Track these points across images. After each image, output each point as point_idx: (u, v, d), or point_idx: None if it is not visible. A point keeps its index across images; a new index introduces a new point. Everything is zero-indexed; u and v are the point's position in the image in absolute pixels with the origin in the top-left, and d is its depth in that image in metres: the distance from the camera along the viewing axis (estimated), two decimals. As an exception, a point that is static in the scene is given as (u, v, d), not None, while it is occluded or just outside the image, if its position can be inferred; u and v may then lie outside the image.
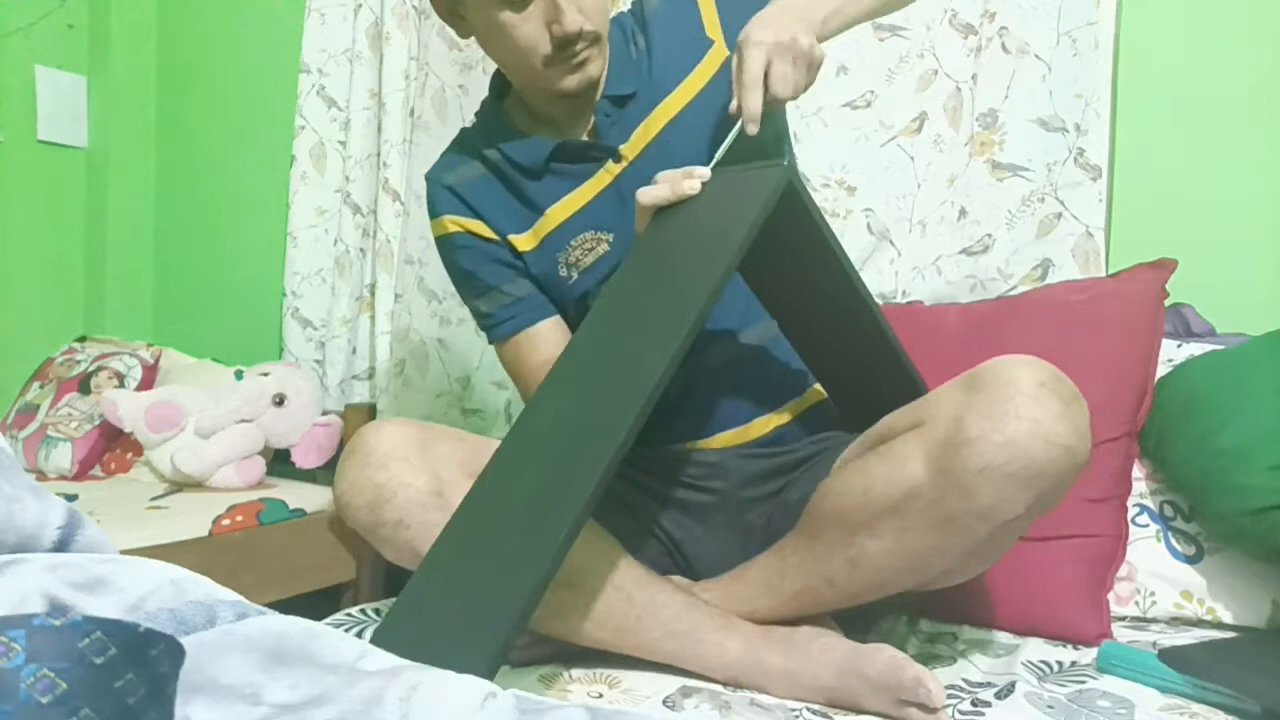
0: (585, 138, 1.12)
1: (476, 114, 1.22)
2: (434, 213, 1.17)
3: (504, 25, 1.01)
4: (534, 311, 1.13)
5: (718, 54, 1.10)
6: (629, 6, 1.19)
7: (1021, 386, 0.81)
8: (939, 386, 0.92)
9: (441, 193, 1.16)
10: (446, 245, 1.17)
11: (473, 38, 1.10)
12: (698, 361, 1.10)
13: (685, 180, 0.95)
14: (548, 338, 1.12)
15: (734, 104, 0.97)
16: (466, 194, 1.15)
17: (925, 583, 0.94)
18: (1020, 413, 0.80)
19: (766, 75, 0.95)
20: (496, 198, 1.14)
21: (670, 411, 1.10)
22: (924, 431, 0.87)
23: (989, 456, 0.81)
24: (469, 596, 0.78)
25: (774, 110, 0.99)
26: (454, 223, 1.15)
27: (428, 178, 1.19)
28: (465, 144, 1.19)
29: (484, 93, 1.20)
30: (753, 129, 0.95)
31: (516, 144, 1.12)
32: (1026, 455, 0.80)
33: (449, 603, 0.79)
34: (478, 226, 1.14)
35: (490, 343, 1.19)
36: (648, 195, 0.97)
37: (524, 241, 1.13)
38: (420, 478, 0.92)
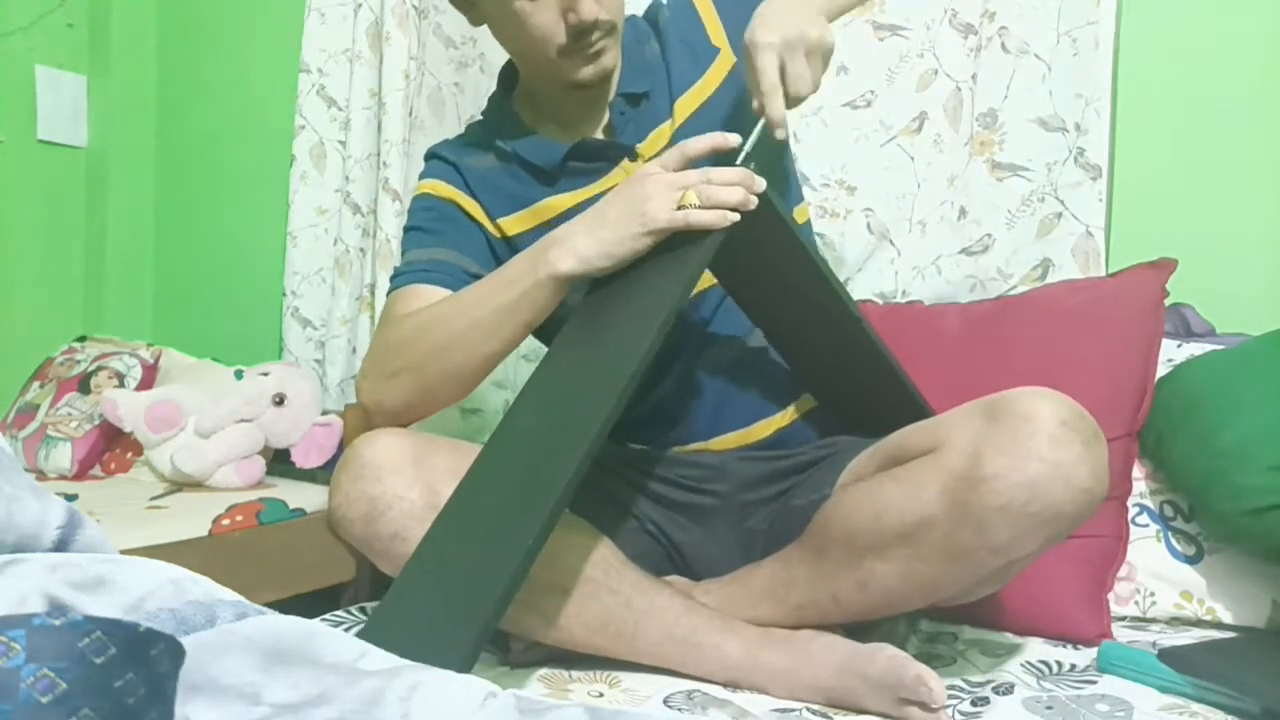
0: (600, 135, 1.11)
1: (484, 111, 1.21)
2: (427, 176, 1.15)
3: (518, 14, 1.00)
4: (443, 275, 1.07)
5: (725, 60, 1.11)
6: (643, 12, 1.18)
7: (1043, 424, 0.80)
8: (956, 408, 0.90)
9: (443, 166, 1.15)
10: (424, 201, 1.14)
11: (483, 26, 1.09)
12: (699, 366, 1.10)
13: (724, 139, 0.93)
14: (428, 296, 1.05)
15: (756, 104, 0.95)
16: (469, 176, 1.13)
17: (933, 604, 0.93)
18: (1042, 453, 0.79)
19: (783, 77, 0.94)
20: (502, 185, 1.12)
21: (673, 414, 1.10)
22: (940, 459, 0.85)
23: (1007, 495, 0.80)
24: (448, 596, 0.79)
25: (794, 108, 0.97)
26: (445, 189, 1.13)
27: (432, 152, 1.17)
28: (475, 135, 1.18)
29: (480, 91, 1.20)
30: (781, 134, 0.95)
31: (530, 142, 1.11)
32: (1047, 496, 0.79)
33: (430, 602, 0.80)
34: (468, 203, 1.12)
35: (392, 290, 1.09)
36: (692, 145, 0.94)
37: (517, 223, 1.12)
38: (414, 490, 0.91)
